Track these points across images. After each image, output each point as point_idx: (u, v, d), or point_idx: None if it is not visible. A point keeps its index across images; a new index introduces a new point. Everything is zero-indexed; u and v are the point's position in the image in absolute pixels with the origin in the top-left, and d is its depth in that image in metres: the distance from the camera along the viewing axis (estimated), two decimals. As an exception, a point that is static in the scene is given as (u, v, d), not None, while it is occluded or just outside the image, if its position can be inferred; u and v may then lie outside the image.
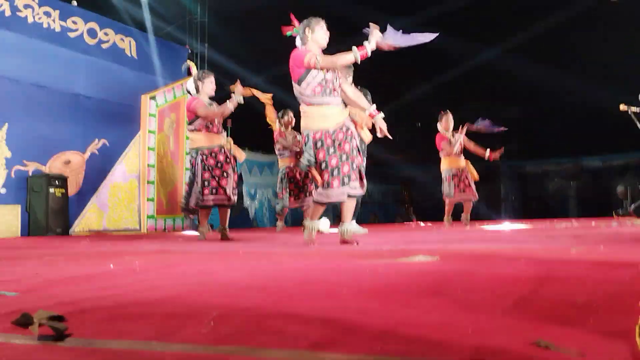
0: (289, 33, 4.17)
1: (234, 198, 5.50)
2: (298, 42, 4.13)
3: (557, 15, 13.22)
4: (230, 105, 5.39)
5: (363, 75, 4.35)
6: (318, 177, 4.09)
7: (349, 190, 3.95)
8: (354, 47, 3.81)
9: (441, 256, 2.55)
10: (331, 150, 3.94)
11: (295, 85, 4.04)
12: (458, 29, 13.81)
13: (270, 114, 6.78)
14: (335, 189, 3.91)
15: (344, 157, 3.93)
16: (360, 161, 4.07)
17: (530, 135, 17.18)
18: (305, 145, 4.02)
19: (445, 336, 1.07)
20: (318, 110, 4.00)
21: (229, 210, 5.62)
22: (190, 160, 5.52)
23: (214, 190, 5.36)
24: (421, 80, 16.23)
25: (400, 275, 2.07)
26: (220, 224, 5.60)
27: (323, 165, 3.94)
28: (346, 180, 3.92)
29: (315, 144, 3.96)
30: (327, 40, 4.11)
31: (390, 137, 4.15)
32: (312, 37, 4.05)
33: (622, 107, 6.91)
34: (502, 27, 14.25)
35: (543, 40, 14.05)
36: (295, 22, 4.15)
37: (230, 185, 5.42)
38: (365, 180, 4.12)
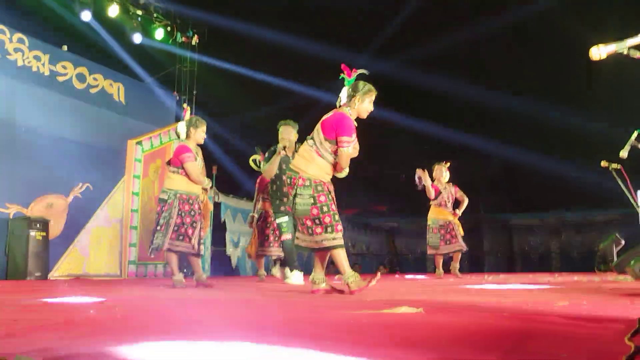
0: (345, 78, 4.20)
1: (200, 248, 5.46)
2: (342, 93, 4.18)
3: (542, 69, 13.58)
4: (205, 183, 5.51)
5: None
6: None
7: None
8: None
9: (425, 308, 2.54)
10: (330, 197, 4.07)
11: (321, 134, 4.10)
12: (444, 74, 14.17)
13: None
14: (340, 233, 4.02)
15: (335, 206, 4.10)
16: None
17: (513, 190, 17.37)
18: (303, 188, 4.05)
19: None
20: (323, 164, 4.11)
21: (199, 259, 5.58)
22: (166, 200, 5.44)
23: (180, 237, 5.33)
24: (406, 134, 16.44)
25: (384, 327, 2.06)
26: (195, 272, 5.56)
27: (325, 208, 4.01)
28: (339, 227, 4.06)
29: (315, 187, 4.03)
30: (368, 113, 4.22)
31: None
32: (359, 105, 4.15)
33: (603, 163, 7.02)
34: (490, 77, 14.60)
35: (528, 92, 14.39)
36: (351, 72, 4.19)
37: (196, 236, 5.39)
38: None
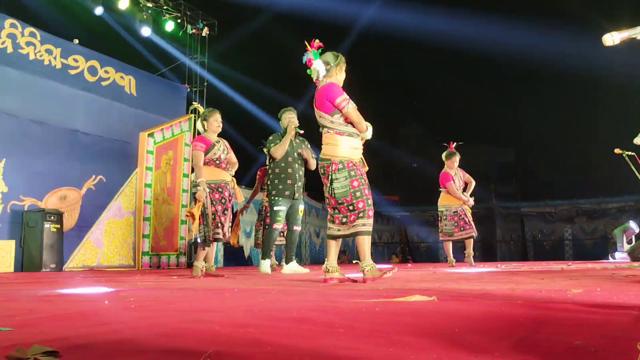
0: (313, 52, 4.21)
1: (229, 235, 5.58)
2: (319, 66, 4.17)
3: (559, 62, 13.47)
4: (198, 180, 5.47)
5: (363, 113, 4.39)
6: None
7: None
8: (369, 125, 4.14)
9: (438, 296, 2.54)
10: (362, 180, 4.08)
11: (323, 115, 4.11)
12: (458, 71, 14.08)
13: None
14: (371, 219, 4.06)
15: (368, 190, 4.12)
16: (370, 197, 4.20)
17: (526, 177, 17.28)
18: (338, 172, 4.04)
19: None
20: (348, 140, 4.10)
21: (214, 249, 5.68)
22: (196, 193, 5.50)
23: (219, 225, 5.40)
24: (417, 122, 16.41)
25: (396, 315, 2.06)
26: (207, 261, 5.62)
27: (358, 194, 4.02)
28: (371, 213, 4.09)
29: (349, 172, 4.04)
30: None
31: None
32: (339, 76, 4.20)
33: (617, 150, 6.98)
34: (501, 75, 14.50)
35: (545, 84, 14.29)
36: (314, 45, 4.21)
37: (227, 222, 5.48)
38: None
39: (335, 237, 4.20)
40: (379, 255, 18.21)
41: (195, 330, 1.71)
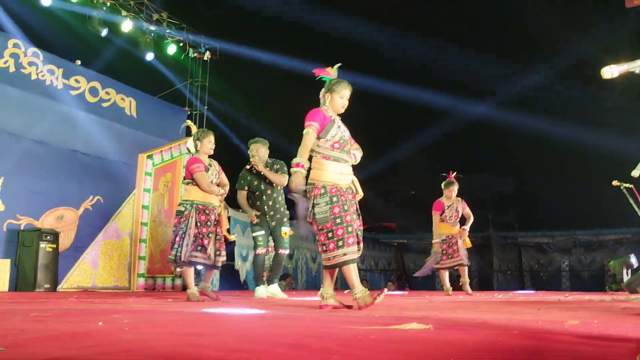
0: (321, 76, 4.24)
1: (216, 259, 5.49)
2: (321, 94, 4.22)
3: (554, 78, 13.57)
4: (218, 192, 5.51)
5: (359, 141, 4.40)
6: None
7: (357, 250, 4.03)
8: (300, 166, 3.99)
9: (434, 324, 2.53)
10: (345, 207, 4.01)
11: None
12: (455, 93, 14.19)
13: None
14: (352, 247, 3.99)
15: (350, 217, 4.03)
16: (359, 224, 4.12)
17: (524, 207, 17.28)
18: (320, 197, 4.02)
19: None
20: (335, 165, 4.07)
21: (213, 271, 5.64)
22: (183, 212, 5.45)
23: (199, 248, 5.34)
24: (417, 150, 16.46)
25: (392, 343, 2.05)
26: (203, 281, 5.59)
27: (338, 220, 3.96)
28: (351, 240, 4.00)
29: (331, 198, 4.00)
30: (343, 107, 4.20)
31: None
32: (331, 101, 4.18)
33: (615, 182, 7.00)
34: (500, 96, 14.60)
35: (542, 111, 14.37)
36: (327, 71, 4.23)
37: (211, 246, 5.41)
38: (361, 244, 4.15)
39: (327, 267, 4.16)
40: (375, 282, 18.12)
41: (189, 355, 1.70)
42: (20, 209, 7.76)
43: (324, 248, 4.00)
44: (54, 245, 7.73)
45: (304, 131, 4.06)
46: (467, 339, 2.22)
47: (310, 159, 4.14)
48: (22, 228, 7.71)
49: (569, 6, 12.61)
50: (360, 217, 4.20)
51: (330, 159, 4.08)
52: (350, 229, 4.00)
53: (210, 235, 5.42)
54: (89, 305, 4.36)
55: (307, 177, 4.14)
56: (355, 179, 4.29)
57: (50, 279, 7.63)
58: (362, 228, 4.19)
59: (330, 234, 3.97)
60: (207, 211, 5.45)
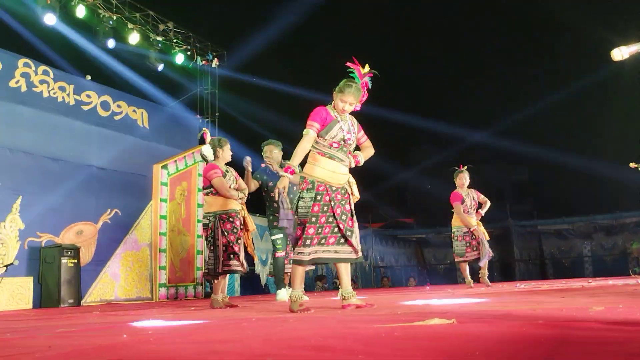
0: (351, 70, 4.22)
1: (246, 265, 5.56)
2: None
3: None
4: (237, 195, 5.53)
5: (371, 136, 4.39)
6: None
7: (341, 254, 4.01)
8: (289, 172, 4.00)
9: (458, 318, 2.52)
10: (325, 208, 3.99)
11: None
12: (474, 92, 14.12)
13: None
14: (315, 247, 3.96)
15: (331, 219, 4.01)
16: (351, 225, 4.09)
17: (541, 195, 17.15)
18: (306, 191, 4.03)
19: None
20: (328, 163, 4.06)
21: (227, 277, 5.65)
22: (208, 225, 5.48)
23: (231, 256, 5.37)
24: (432, 144, 16.40)
25: (417, 340, 2.04)
26: (222, 293, 5.58)
27: (313, 219, 3.96)
28: (324, 242, 3.99)
29: (315, 195, 3.99)
30: (343, 111, 4.16)
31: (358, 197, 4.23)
32: (335, 101, 4.15)
33: (632, 164, 6.92)
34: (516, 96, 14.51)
35: (556, 104, 14.26)
36: (358, 67, 4.21)
37: (242, 251, 5.46)
38: (358, 246, 4.11)
39: (340, 261, 4.13)
40: (396, 278, 18.08)
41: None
42: (40, 226, 7.83)
43: (295, 242, 4.00)
44: (75, 260, 7.79)
45: (304, 131, 4.06)
46: (491, 331, 2.21)
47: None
48: (43, 245, 7.78)
49: None
50: (354, 217, 4.16)
51: (326, 156, 4.06)
52: (319, 230, 3.97)
53: (239, 241, 5.46)
54: (113, 318, 4.39)
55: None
56: (353, 181, 4.26)
57: (74, 293, 7.69)
58: (352, 229, 4.09)
59: (301, 230, 3.98)
60: (231, 218, 5.46)
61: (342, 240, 4.03)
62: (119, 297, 8.57)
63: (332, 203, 4.01)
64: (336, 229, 4.02)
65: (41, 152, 8.03)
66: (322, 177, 4.04)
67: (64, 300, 7.50)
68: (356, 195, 4.24)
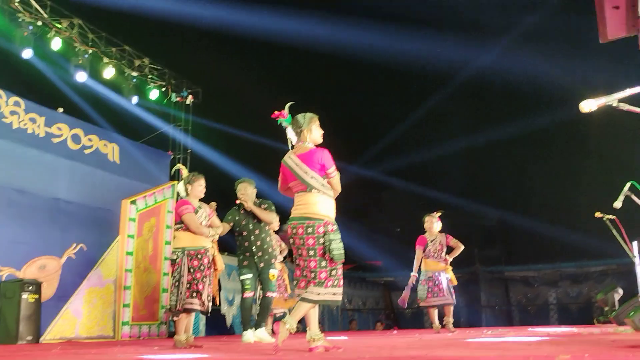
0: (280, 120, 4.30)
1: (208, 305, 5.47)
2: (290, 134, 4.28)
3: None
4: (208, 233, 5.52)
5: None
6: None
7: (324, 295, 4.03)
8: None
9: (426, 365, 2.51)
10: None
11: (316, 176, 4.15)
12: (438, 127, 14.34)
13: None
14: (341, 288, 4.06)
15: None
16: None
17: (509, 241, 17.35)
18: (334, 233, 4.07)
19: None
20: (331, 202, 4.19)
21: (193, 317, 5.59)
22: (175, 260, 5.43)
23: (194, 294, 5.31)
24: (400, 187, 16.55)
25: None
26: (185, 331, 5.49)
27: (323, 264, 4.01)
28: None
29: (340, 235, 4.08)
30: (322, 137, 4.33)
31: None
32: (310, 137, 4.27)
33: (598, 214, 7.07)
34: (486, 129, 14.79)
35: (524, 146, 14.55)
36: (285, 112, 4.30)
37: (206, 291, 5.39)
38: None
39: (312, 302, 4.10)
40: (363, 321, 17.96)
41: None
42: (2, 260, 7.62)
43: (321, 284, 3.98)
44: (37, 296, 7.57)
45: (332, 180, 4.18)
46: (460, 378, 2.20)
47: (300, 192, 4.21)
48: (3, 279, 7.56)
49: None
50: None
51: (329, 197, 4.20)
52: (333, 272, 4.05)
53: (204, 279, 5.39)
54: (73, 357, 4.27)
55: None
56: None
57: (33, 330, 7.44)
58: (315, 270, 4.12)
59: (333, 272, 4.01)
60: (199, 255, 5.42)
61: None
62: (80, 334, 8.33)
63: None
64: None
65: (7, 183, 7.88)
66: (329, 217, 4.14)
67: (22, 337, 7.25)
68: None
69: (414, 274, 8.24)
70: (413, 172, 16.11)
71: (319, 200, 4.13)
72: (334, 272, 4.02)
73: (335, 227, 4.09)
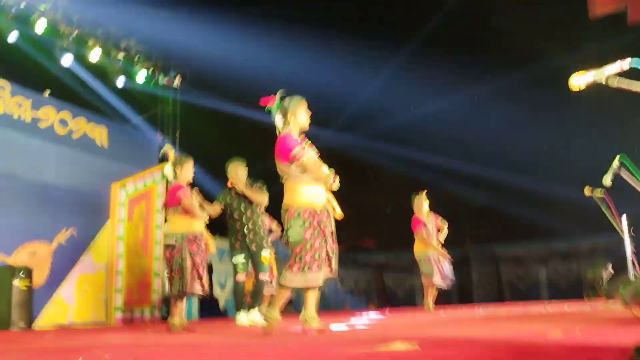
0: (267, 107, 4.27)
1: (207, 288, 5.50)
2: (277, 120, 4.22)
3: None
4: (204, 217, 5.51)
5: (331, 160, 4.41)
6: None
7: (323, 275, 4.00)
8: (331, 172, 4.10)
9: (420, 343, 2.52)
10: (316, 232, 3.99)
11: (283, 164, 4.09)
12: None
13: None
14: (314, 273, 3.93)
15: (323, 241, 4.01)
16: (332, 244, 4.10)
17: (500, 219, 17.40)
18: (293, 219, 4.01)
19: None
20: (309, 188, 4.07)
21: (186, 301, 5.59)
22: (174, 245, 5.35)
23: (197, 278, 5.31)
24: (391, 163, 16.50)
25: (380, 366, 2.03)
26: (178, 315, 5.48)
27: (307, 245, 3.94)
28: (323, 264, 3.97)
29: (303, 222, 3.98)
30: (309, 120, 4.24)
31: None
32: (295, 121, 4.17)
33: (587, 191, 7.09)
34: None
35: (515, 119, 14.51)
36: (273, 98, 4.25)
37: (205, 274, 5.41)
38: (336, 265, 4.14)
39: (285, 287, 4.10)
40: (356, 302, 18.05)
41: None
42: (-8, 246, 7.59)
43: (295, 269, 3.97)
44: (28, 282, 7.53)
45: (299, 162, 4.03)
46: (454, 356, 2.21)
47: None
48: (-6, 266, 7.53)
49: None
50: (334, 237, 4.18)
51: (304, 183, 4.08)
52: (317, 255, 3.97)
53: (204, 263, 5.39)
54: (67, 343, 4.26)
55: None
56: (332, 198, 4.27)
57: (25, 317, 7.42)
58: (334, 249, 4.13)
59: (297, 258, 3.96)
60: (197, 240, 5.41)
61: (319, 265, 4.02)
62: (72, 320, 8.32)
63: (322, 225, 4.05)
64: (328, 250, 4.06)
65: (-5, 170, 7.81)
66: (308, 205, 4.05)
67: (14, 324, 7.23)
68: (339, 212, 4.26)
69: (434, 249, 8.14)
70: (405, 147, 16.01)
71: (287, 188, 4.12)
72: (298, 258, 3.95)
73: (296, 212, 4.01)
